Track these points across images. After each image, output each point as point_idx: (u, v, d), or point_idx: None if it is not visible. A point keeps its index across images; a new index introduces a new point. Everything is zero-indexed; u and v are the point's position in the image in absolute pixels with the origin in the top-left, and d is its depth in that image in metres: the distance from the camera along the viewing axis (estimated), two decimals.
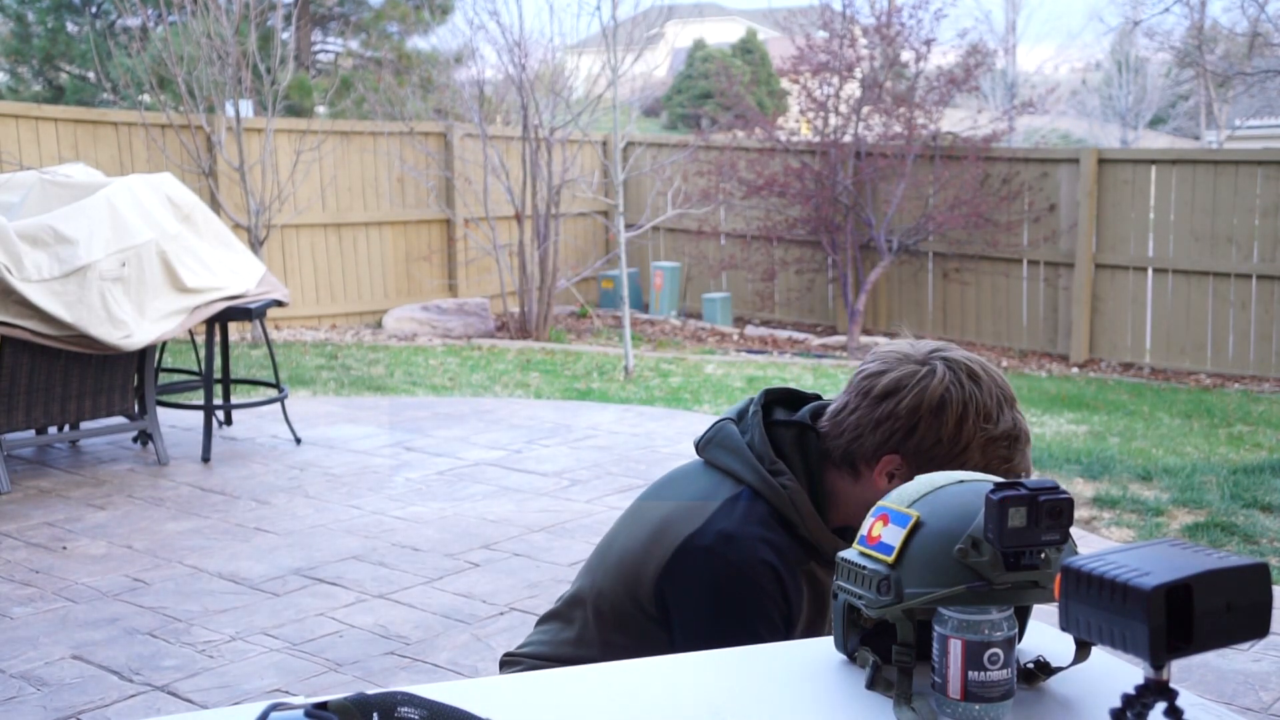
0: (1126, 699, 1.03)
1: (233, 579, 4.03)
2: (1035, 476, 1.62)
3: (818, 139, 10.74)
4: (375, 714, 1.19)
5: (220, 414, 6.17)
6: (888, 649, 1.39)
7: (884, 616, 1.37)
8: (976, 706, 1.29)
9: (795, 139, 11.07)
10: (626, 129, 9.88)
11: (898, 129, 10.41)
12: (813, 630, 1.74)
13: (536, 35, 25.79)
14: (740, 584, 1.64)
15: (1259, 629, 1.03)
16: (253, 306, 5.62)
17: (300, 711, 1.16)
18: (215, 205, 9.04)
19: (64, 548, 4.36)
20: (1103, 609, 1.01)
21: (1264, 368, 8.95)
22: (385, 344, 9.50)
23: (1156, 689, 1.02)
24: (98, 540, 4.45)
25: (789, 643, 1.56)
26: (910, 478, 1.56)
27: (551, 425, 6.35)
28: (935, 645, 1.32)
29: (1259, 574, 1.03)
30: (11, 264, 4.75)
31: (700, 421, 6.60)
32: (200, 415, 5.82)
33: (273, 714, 1.18)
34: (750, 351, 10.00)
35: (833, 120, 10.60)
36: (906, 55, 10.83)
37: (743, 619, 1.65)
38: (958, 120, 11.37)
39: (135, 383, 5.47)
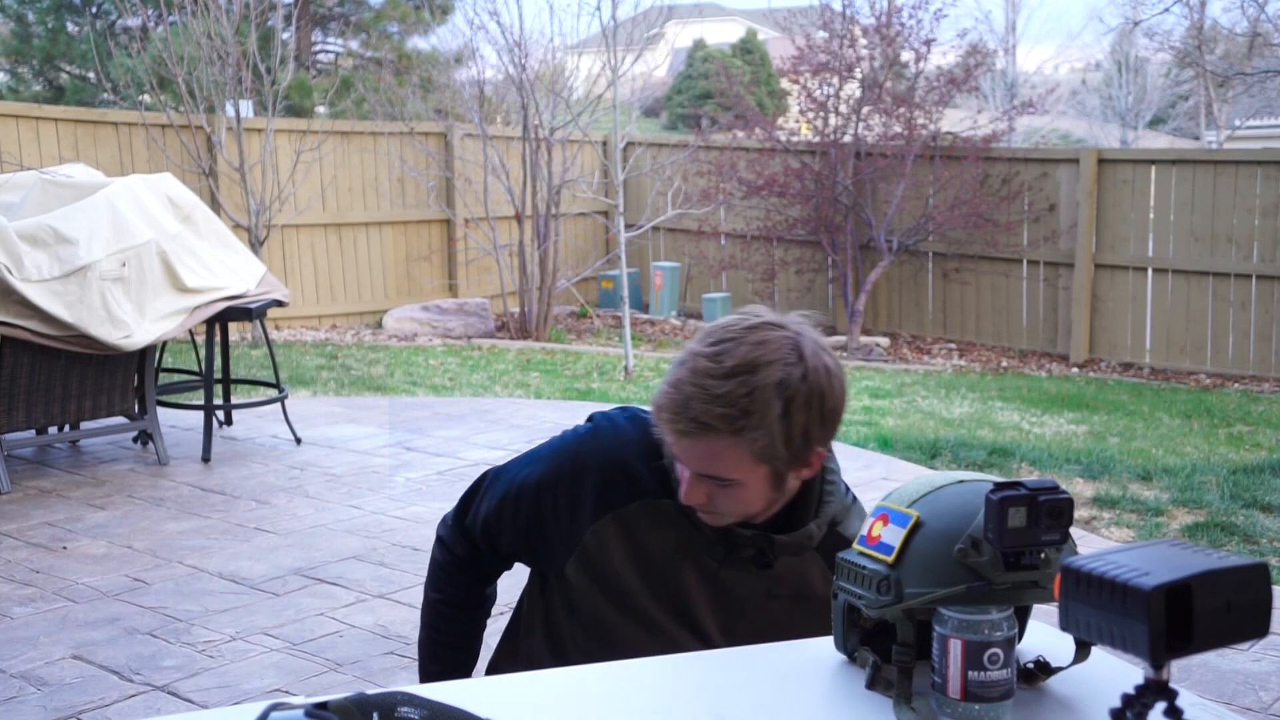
0: (1126, 699, 1.03)
1: (233, 579, 4.03)
2: (1033, 477, 1.62)
3: (818, 139, 10.73)
4: (375, 714, 1.19)
5: (220, 414, 6.17)
6: (888, 649, 1.39)
7: (884, 616, 1.37)
8: (976, 706, 1.30)
9: (795, 139, 11.06)
10: (626, 129, 9.88)
11: (898, 129, 10.41)
12: (654, 565, 1.73)
13: (536, 35, 25.81)
14: (571, 432, 1.81)
15: (1259, 629, 1.03)
16: (253, 306, 5.62)
17: (300, 711, 1.17)
18: (215, 205, 9.04)
19: (64, 548, 4.36)
20: (1102, 609, 1.01)
21: (1264, 368, 8.95)
22: (385, 344, 9.50)
23: (1156, 689, 1.02)
24: (98, 540, 4.45)
25: (789, 643, 1.56)
26: None
27: (551, 425, 6.35)
28: (935, 645, 1.32)
29: (1259, 574, 1.03)
30: (12, 264, 4.75)
31: None
32: (200, 415, 5.82)
33: (273, 714, 1.18)
34: None
35: (833, 120, 10.60)
36: (906, 55, 10.83)
37: (546, 446, 1.82)
38: (958, 120, 11.36)
39: (135, 383, 5.47)
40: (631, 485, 1.72)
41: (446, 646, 1.96)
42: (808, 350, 1.57)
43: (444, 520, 1.95)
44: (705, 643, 1.74)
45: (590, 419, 1.83)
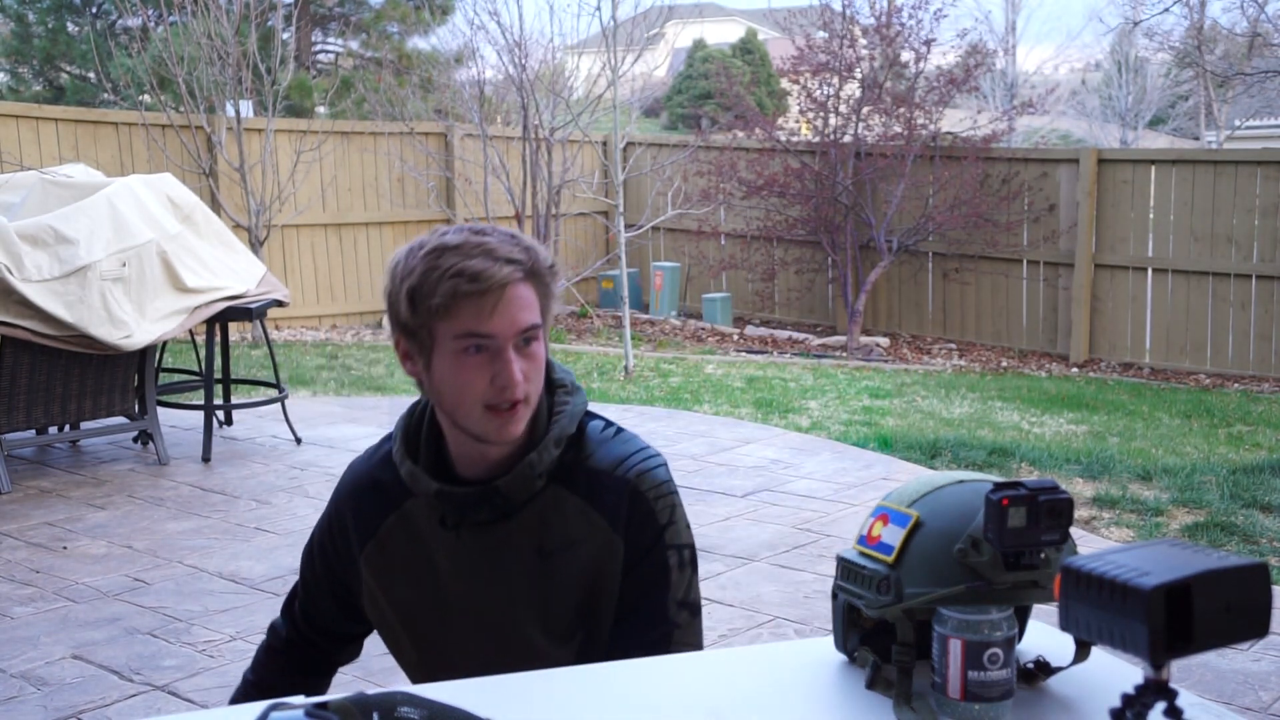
0: (1126, 699, 1.03)
1: (233, 579, 4.03)
2: (1033, 477, 1.61)
3: (818, 139, 10.73)
4: (375, 714, 1.19)
5: (220, 414, 6.17)
6: (888, 649, 1.39)
7: (884, 616, 1.37)
8: (976, 706, 1.30)
9: (795, 139, 11.06)
10: (626, 129, 9.87)
11: (898, 129, 10.41)
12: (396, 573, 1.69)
13: (536, 35, 25.78)
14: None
15: (1259, 629, 1.03)
16: (253, 306, 5.62)
17: (300, 711, 1.17)
18: (215, 205, 9.04)
19: (64, 547, 4.36)
20: (1102, 609, 1.01)
21: (1264, 368, 8.95)
22: (385, 344, 9.50)
23: (1156, 689, 1.02)
24: (98, 540, 4.45)
25: (789, 642, 1.56)
26: (416, 355, 1.57)
27: None
28: (935, 645, 1.32)
29: (1259, 574, 1.03)
30: (12, 264, 4.75)
31: (701, 421, 6.60)
32: (200, 415, 5.82)
33: (273, 714, 1.18)
34: (750, 351, 10.00)
35: (833, 120, 10.59)
36: (906, 55, 10.83)
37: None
38: (958, 120, 11.36)
39: (135, 383, 5.47)
40: (382, 497, 1.69)
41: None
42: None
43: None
44: (531, 656, 1.62)
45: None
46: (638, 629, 1.63)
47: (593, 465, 1.63)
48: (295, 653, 1.86)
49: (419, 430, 1.67)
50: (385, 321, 1.60)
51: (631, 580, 1.63)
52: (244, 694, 1.86)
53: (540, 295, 1.55)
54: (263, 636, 1.94)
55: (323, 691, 1.87)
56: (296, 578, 1.91)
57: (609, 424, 1.70)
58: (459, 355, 1.53)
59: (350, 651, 1.89)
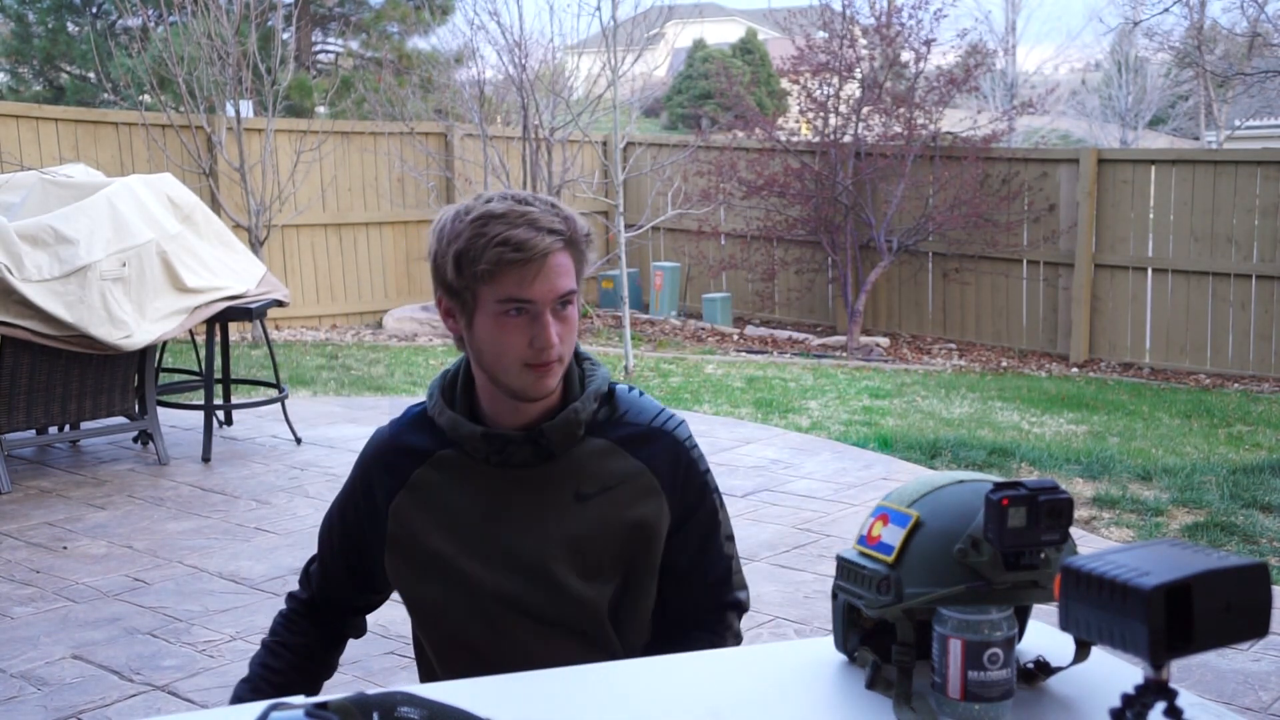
0: (1126, 699, 1.03)
1: (233, 579, 4.03)
2: (1033, 477, 1.61)
3: (818, 139, 10.73)
4: (375, 714, 1.19)
5: (220, 414, 6.17)
6: (888, 649, 1.39)
7: (884, 616, 1.37)
8: (976, 706, 1.30)
9: (795, 139, 11.06)
10: (626, 129, 9.87)
11: (898, 129, 10.41)
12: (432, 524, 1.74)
13: (536, 35, 25.78)
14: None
15: (1259, 629, 1.03)
16: (253, 306, 5.62)
17: (300, 711, 1.17)
18: (215, 205, 9.04)
19: (64, 547, 4.36)
20: (1102, 609, 1.02)
21: (1264, 368, 8.95)
22: (385, 344, 9.50)
23: (1156, 689, 1.03)
24: (98, 540, 4.45)
25: (789, 642, 1.56)
26: (458, 314, 1.67)
27: None
28: (935, 645, 1.32)
29: (1259, 574, 1.03)
30: (12, 264, 4.75)
31: (701, 421, 6.60)
32: (200, 415, 5.82)
33: (273, 714, 1.18)
34: (750, 351, 10.00)
35: (833, 120, 10.60)
36: (906, 55, 10.83)
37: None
38: (957, 120, 11.36)
39: (135, 383, 5.47)
40: (412, 454, 1.76)
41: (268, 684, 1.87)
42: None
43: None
44: (559, 594, 1.71)
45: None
46: (704, 571, 1.80)
47: (629, 419, 1.77)
48: (315, 616, 1.92)
49: (453, 389, 1.76)
50: (430, 283, 1.75)
51: (689, 531, 1.78)
52: (263, 655, 1.89)
53: (576, 261, 1.67)
54: (262, 635, 1.97)
55: (330, 665, 1.95)
56: (297, 577, 1.95)
57: (632, 387, 1.84)
58: (500, 317, 1.63)
59: (357, 625, 1.96)
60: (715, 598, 1.81)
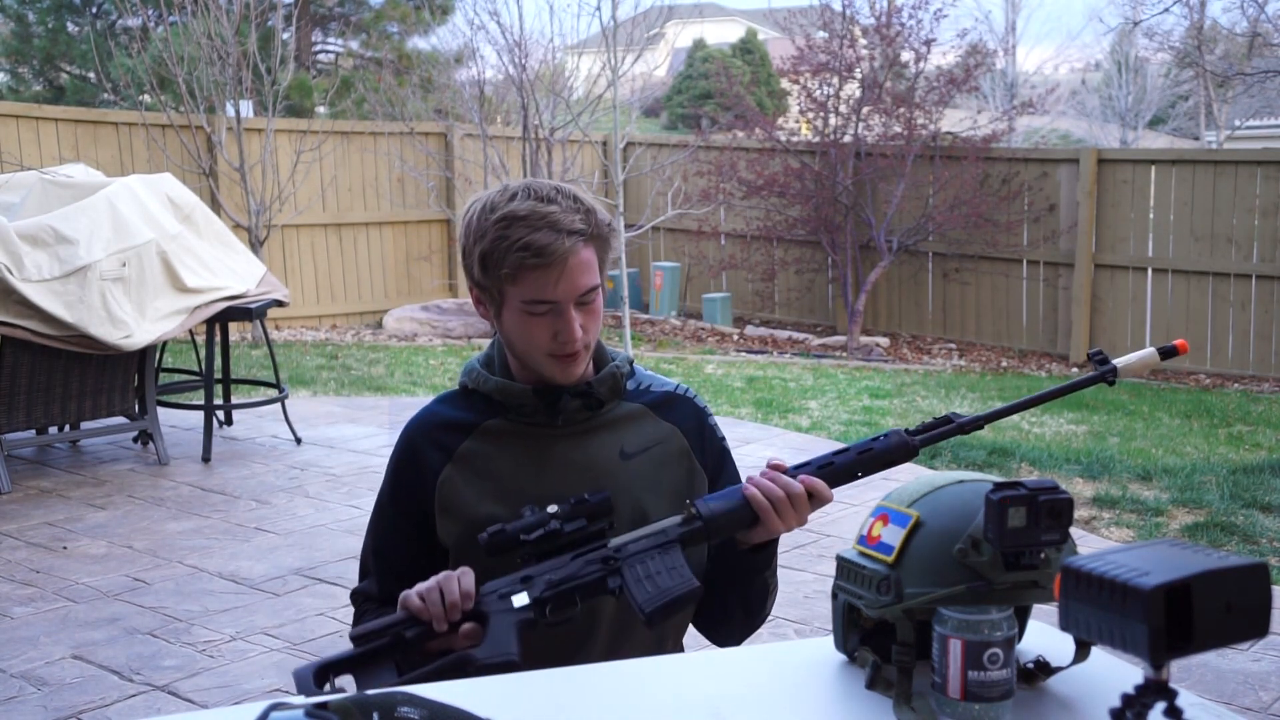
0: (1126, 699, 1.03)
1: (233, 579, 4.03)
2: (1033, 477, 1.62)
3: (818, 139, 10.73)
4: (375, 714, 1.19)
5: (220, 414, 6.17)
6: (888, 649, 1.39)
7: (884, 616, 1.37)
8: (976, 706, 1.30)
9: (795, 139, 11.06)
10: (626, 129, 9.88)
11: (898, 129, 10.41)
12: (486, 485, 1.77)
13: (536, 35, 25.77)
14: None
15: (1259, 629, 1.03)
16: (253, 306, 5.62)
17: (300, 711, 1.17)
18: (215, 205, 9.04)
19: (64, 548, 4.36)
20: (1102, 609, 1.01)
21: (1264, 368, 8.95)
22: (385, 344, 9.50)
23: (1156, 689, 1.02)
24: (98, 540, 4.45)
25: (789, 642, 1.56)
26: (488, 305, 1.75)
27: None
28: (935, 645, 1.32)
29: (1259, 574, 1.03)
30: (12, 264, 4.75)
31: None
32: (200, 415, 5.82)
33: (273, 714, 1.18)
34: (750, 352, 10.00)
35: (833, 120, 10.59)
36: (906, 55, 10.83)
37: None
38: (958, 120, 11.36)
39: (135, 383, 5.47)
40: (458, 427, 1.81)
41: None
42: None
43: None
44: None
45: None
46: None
47: (655, 389, 1.90)
48: (392, 604, 1.88)
49: (490, 365, 1.84)
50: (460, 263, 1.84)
51: (718, 481, 1.90)
52: (369, 619, 1.79)
53: (599, 253, 1.76)
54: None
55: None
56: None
57: (644, 367, 1.96)
58: (525, 314, 1.71)
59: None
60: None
